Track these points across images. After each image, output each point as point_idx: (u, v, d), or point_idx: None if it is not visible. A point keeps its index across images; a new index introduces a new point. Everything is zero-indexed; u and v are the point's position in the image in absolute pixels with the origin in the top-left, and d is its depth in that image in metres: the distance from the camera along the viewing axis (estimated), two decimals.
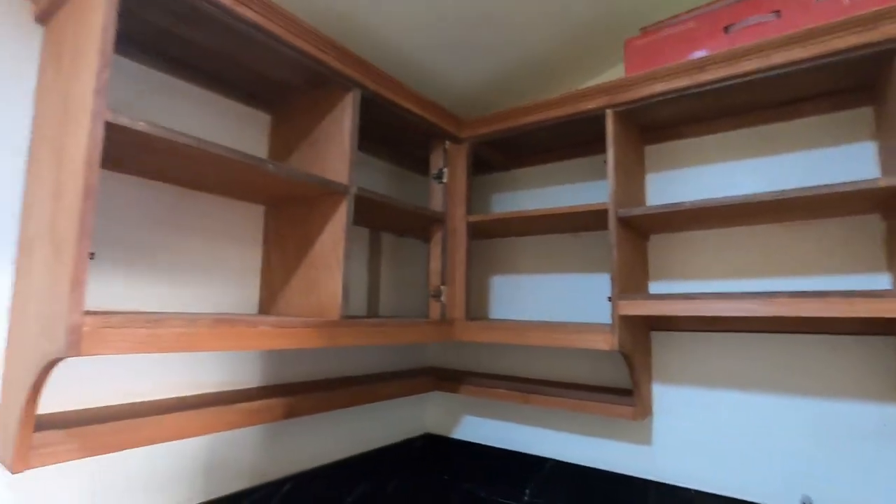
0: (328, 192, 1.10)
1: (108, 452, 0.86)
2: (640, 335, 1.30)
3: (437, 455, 1.78)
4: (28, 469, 0.76)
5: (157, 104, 1.07)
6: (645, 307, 1.10)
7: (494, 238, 1.73)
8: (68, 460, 0.81)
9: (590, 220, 1.36)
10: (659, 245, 1.40)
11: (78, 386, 0.94)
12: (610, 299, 1.16)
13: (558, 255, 1.59)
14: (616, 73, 1.55)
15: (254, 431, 1.25)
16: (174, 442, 1.07)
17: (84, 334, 0.67)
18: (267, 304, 1.24)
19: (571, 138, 1.49)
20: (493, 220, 1.40)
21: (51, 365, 0.71)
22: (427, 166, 1.75)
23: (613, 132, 1.18)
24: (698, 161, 1.36)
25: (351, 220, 1.09)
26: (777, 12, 1.00)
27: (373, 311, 1.60)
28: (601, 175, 1.54)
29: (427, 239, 1.80)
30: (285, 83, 1.16)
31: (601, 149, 1.51)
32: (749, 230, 1.27)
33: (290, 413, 1.18)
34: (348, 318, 1.09)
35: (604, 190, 1.53)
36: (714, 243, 1.32)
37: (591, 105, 1.22)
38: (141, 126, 0.74)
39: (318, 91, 1.17)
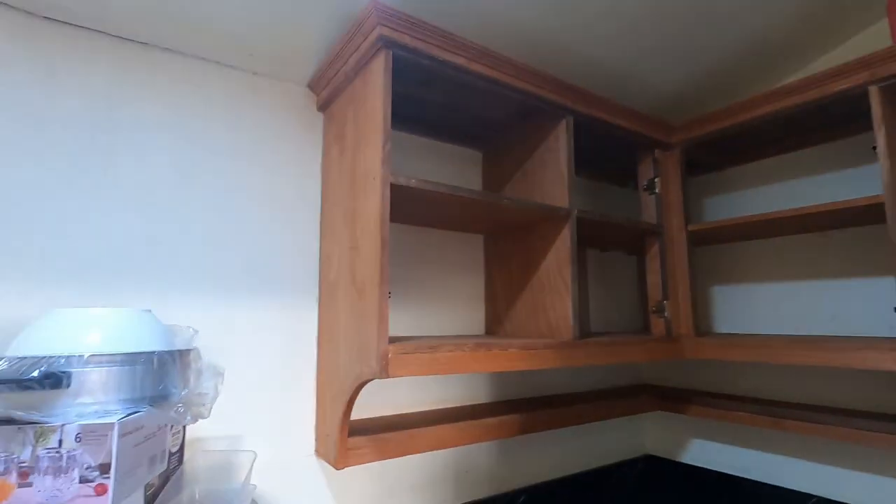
0: (549, 218, 1.15)
1: (394, 457, 1.02)
2: None
3: (660, 478, 1.68)
4: (347, 466, 0.94)
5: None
6: None
7: (714, 244, 1.59)
8: (370, 461, 0.98)
9: (848, 217, 1.16)
10: None
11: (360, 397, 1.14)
12: None
13: (799, 258, 1.39)
14: (859, 42, 1.30)
15: (492, 444, 1.34)
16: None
17: (390, 360, 0.82)
18: (493, 326, 1.34)
19: (805, 125, 1.29)
20: (719, 227, 1.29)
21: (363, 384, 0.88)
22: (624, 176, 1.71)
23: (881, 112, 1.00)
24: None
25: (575, 242, 1.12)
26: None
27: (584, 329, 1.60)
28: (841, 163, 1.31)
29: (633, 252, 1.75)
30: (497, 121, 1.26)
31: (839, 133, 1.31)
32: None
33: (523, 429, 1.24)
34: (580, 338, 1.11)
35: (850, 179, 1.30)
36: None
37: (845, 84, 1.04)
38: (413, 183, 0.89)
39: (530, 123, 1.23)
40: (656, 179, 1.37)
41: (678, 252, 1.36)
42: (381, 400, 1.17)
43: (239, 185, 1.03)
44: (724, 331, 1.55)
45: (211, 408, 0.71)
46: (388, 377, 0.82)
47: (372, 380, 0.85)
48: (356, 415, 1.12)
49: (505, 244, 1.32)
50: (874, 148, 1.00)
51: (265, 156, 1.08)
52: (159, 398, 0.63)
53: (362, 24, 0.88)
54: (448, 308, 1.32)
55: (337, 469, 0.95)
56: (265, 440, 1.00)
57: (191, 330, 0.72)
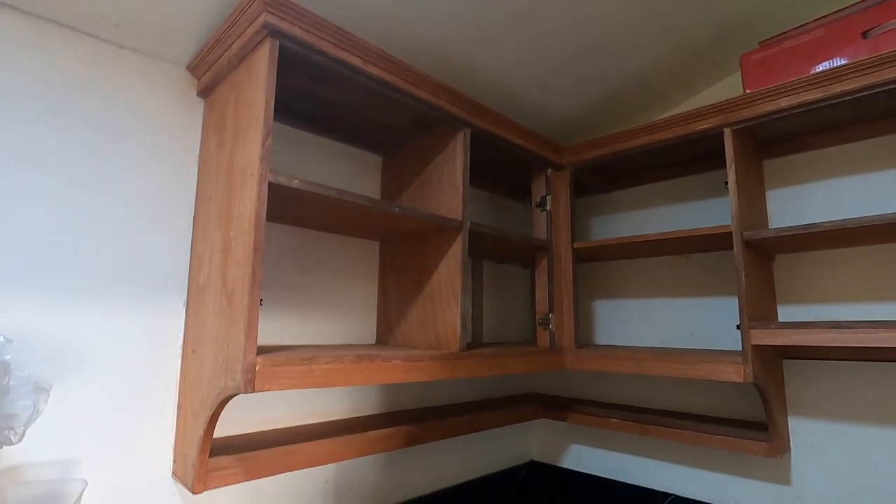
0: (442, 229, 1.15)
1: (265, 476, 0.94)
2: (772, 364, 1.21)
3: (543, 484, 1.75)
4: (207, 490, 0.85)
5: (284, 154, 1.18)
6: (783, 336, 1.02)
7: (597, 262, 1.70)
8: (235, 483, 0.90)
9: (706, 242, 1.29)
10: (786, 265, 1.30)
11: (229, 412, 1.05)
12: (739, 327, 1.09)
13: (668, 278, 1.53)
14: (725, 86, 1.48)
15: (377, 458, 1.31)
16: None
17: (258, 373, 0.75)
18: (384, 335, 1.31)
19: (677, 157, 1.44)
20: (601, 245, 1.38)
21: (227, 399, 0.80)
22: (523, 192, 1.77)
23: (733, 152, 1.13)
24: (828, 174, 1.26)
25: (466, 254, 1.13)
26: None
27: (478, 338, 1.63)
28: (708, 193, 1.47)
29: (527, 265, 1.82)
30: (397, 127, 1.24)
31: (707, 166, 1.46)
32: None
33: (409, 441, 1.22)
34: (465, 349, 1.12)
35: (713, 208, 1.46)
36: (852, 263, 1.21)
37: (705, 125, 1.17)
38: (295, 183, 0.83)
39: (429, 132, 1.23)
40: (548, 197, 1.43)
41: (564, 267, 1.43)
42: (255, 414, 1.08)
43: (94, 173, 0.90)
44: (604, 342, 1.66)
45: (24, 431, 0.60)
46: (253, 392, 0.75)
47: (236, 394, 0.78)
48: (226, 431, 1.02)
49: (399, 252, 1.30)
50: (726, 184, 1.12)
51: (130, 142, 0.95)
52: None
53: (246, 7, 0.82)
54: (339, 316, 1.27)
55: (194, 493, 0.85)
56: (111, 464, 0.88)
57: (1, 339, 0.61)
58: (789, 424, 1.25)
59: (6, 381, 0.57)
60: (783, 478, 1.25)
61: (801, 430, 1.24)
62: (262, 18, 0.80)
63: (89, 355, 0.87)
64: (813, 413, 1.23)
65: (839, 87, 1.00)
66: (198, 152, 1.04)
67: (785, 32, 1.11)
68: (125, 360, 0.91)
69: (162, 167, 0.99)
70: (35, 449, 0.80)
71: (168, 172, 1.00)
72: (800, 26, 1.09)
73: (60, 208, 0.86)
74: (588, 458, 1.66)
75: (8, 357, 0.61)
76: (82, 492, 0.70)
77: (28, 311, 0.81)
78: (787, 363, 1.28)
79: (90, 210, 0.89)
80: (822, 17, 1.07)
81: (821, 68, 1.05)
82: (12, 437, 0.57)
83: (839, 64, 1.01)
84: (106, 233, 0.91)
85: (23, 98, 0.84)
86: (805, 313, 1.26)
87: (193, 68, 1.02)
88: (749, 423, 1.29)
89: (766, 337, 1.04)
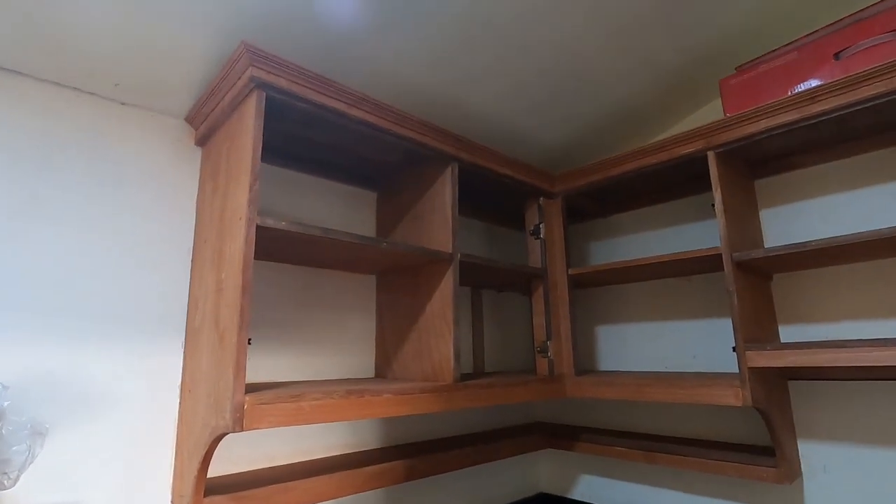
0: (433, 261, 1.17)
1: None
2: (776, 386, 1.18)
3: None
4: None
5: (278, 195, 1.22)
6: (781, 358, 1.00)
7: (596, 287, 1.70)
8: None
9: (699, 265, 1.29)
10: (785, 285, 1.28)
11: (229, 450, 1.06)
12: (735, 349, 1.08)
13: (668, 301, 1.52)
14: (709, 110, 1.50)
15: (379, 493, 1.29)
16: None
17: (246, 411, 0.77)
18: (382, 368, 1.32)
19: (670, 180, 1.45)
20: (595, 271, 1.39)
21: (219, 438, 0.82)
22: (519, 220, 1.79)
23: (718, 174, 1.14)
24: (821, 191, 1.26)
25: (457, 285, 1.15)
26: (895, 31, 0.93)
27: (479, 368, 1.62)
28: (705, 214, 1.47)
29: (526, 292, 1.82)
30: (388, 164, 1.28)
31: (702, 187, 1.46)
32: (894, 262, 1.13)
33: (409, 475, 1.21)
34: (461, 380, 1.12)
35: (710, 229, 1.45)
36: (852, 279, 1.19)
37: (689, 149, 1.19)
38: (283, 225, 0.87)
39: (419, 168, 1.27)
40: (541, 225, 1.45)
41: (561, 294, 1.43)
42: (253, 451, 1.09)
43: (96, 221, 0.95)
44: (607, 368, 1.64)
45: (18, 476, 0.62)
46: (242, 430, 0.77)
47: (227, 433, 0.79)
48: (222, 470, 1.03)
49: (395, 286, 1.32)
50: (712, 205, 1.13)
51: (132, 191, 1.00)
52: None
53: (234, 63, 0.87)
54: (338, 350, 1.28)
55: None
56: None
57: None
58: (799, 448, 1.22)
59: (0, 427, 0.59)
60: None
61: (812, 454, 1.20)
62: (248, 72, 0.85)
63: (90, 398, 0.90)
64: (823, 436, 1.19)
65: (816, 108, 1.01)
66: (195, 199, 1.08)
67: (760, 57, 1.14)
68: (125, 403, 0.94)
69: (162, 214, 1.03)
70: (35, 492, 0.82)
71: (168, 219, 1.04)
72: (774, 50, 1.12)
73: (63, 255, 0.91)
74: (599, 488, 1.61)
75: (6, 403, 0.64)
76: None
77: (30, 356, 0.85)
78: (792, 384, 1.25)
79: (92, 257, 0.94)
80: (795, 40, 1.09)
81: (798, 90, 1.06)
82: (5, 482, 0.59)
83: (814, 85, 1.03)
84: (107, 278, 0.95)
85: (27, 152, 0.90)
86: (808, 333, 1.24)
87: (191, 119, 1.08)
88: (758, 447, 1.25)
89: (762, 359, 1.03)
